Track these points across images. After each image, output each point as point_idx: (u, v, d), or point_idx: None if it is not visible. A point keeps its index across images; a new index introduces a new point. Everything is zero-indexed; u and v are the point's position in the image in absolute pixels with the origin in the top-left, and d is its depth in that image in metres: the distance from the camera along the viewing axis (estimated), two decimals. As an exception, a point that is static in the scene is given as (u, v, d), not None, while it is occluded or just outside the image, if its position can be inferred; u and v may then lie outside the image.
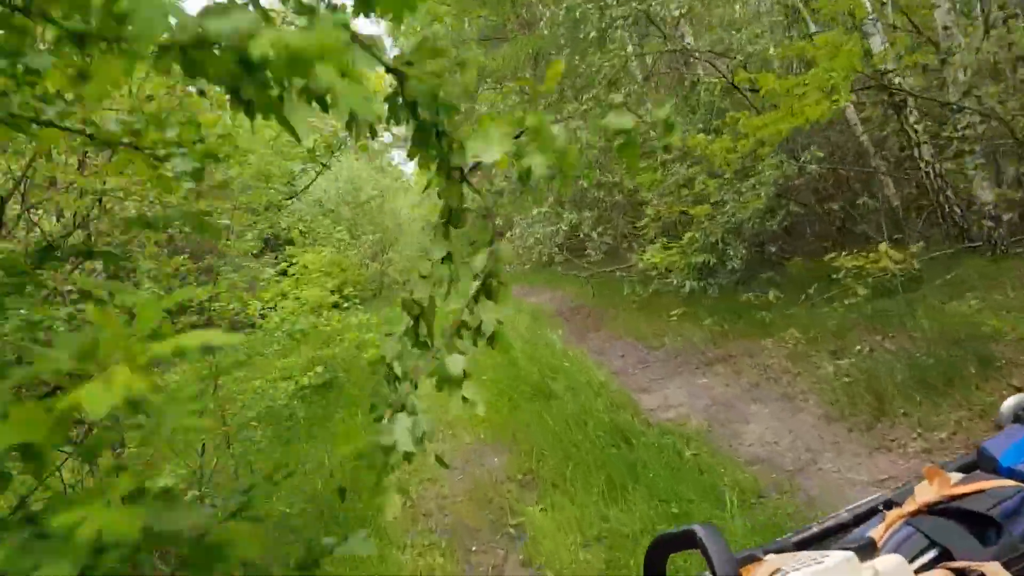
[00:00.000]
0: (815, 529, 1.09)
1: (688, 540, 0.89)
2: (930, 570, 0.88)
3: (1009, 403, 1.18)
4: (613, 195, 12.15)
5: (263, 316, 7.50)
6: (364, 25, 47.93)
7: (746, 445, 5.08)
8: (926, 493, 1.04)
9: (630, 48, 10.16)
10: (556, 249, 13.04)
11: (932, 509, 1.02)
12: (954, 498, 1.01)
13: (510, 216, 16.55)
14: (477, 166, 1.03)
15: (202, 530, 0.70)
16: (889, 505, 1.10)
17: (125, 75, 0.80)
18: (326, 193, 27.65)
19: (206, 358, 4.71)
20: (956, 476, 1.07)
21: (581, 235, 12.38)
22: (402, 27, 26.47)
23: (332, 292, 10.08)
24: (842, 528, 1.09)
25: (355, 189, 27.75)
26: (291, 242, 25.84)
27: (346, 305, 13.20)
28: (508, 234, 17.38)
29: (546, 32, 13.70)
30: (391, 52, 0.91)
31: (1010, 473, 1.05)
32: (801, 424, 5.21)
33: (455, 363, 1.03)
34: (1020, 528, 0.93)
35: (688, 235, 8.94)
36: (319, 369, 8.13)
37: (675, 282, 9.57)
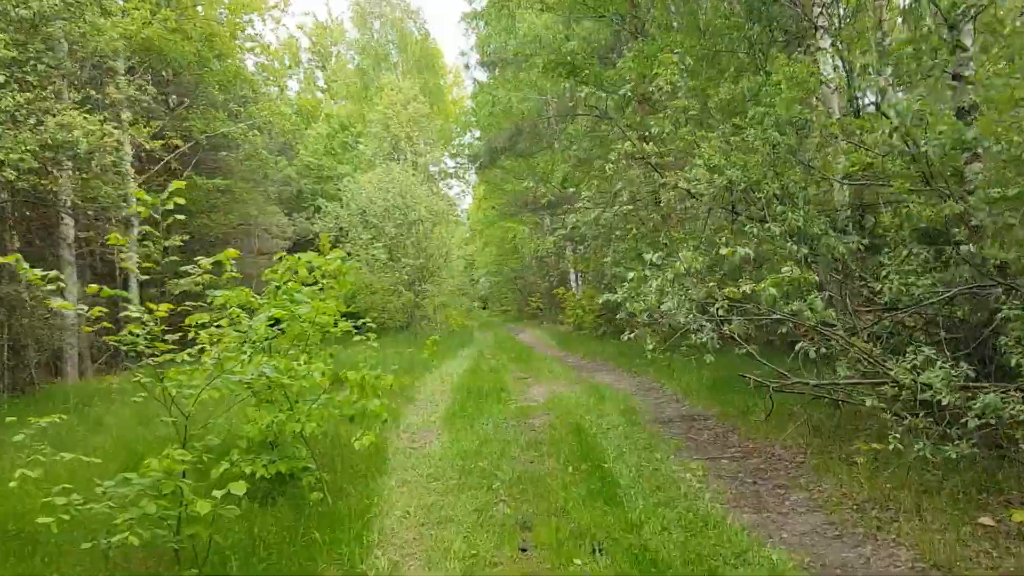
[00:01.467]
0: None
1: None
2: None
3: None
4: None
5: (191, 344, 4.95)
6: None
7: None
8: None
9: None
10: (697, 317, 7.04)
11: None
12: None
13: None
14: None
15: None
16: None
17: None
18: (372, 204, 26.44)
19: None
20: None
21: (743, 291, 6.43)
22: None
23: (345, 317, 6.69)
24: None
25: (405, 206, 26.50)
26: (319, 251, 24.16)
27: (357, 337, 11.55)
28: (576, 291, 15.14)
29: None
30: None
31: None
32: None
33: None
34: None
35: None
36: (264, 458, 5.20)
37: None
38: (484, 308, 63.18)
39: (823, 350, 6.14)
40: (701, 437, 7.18)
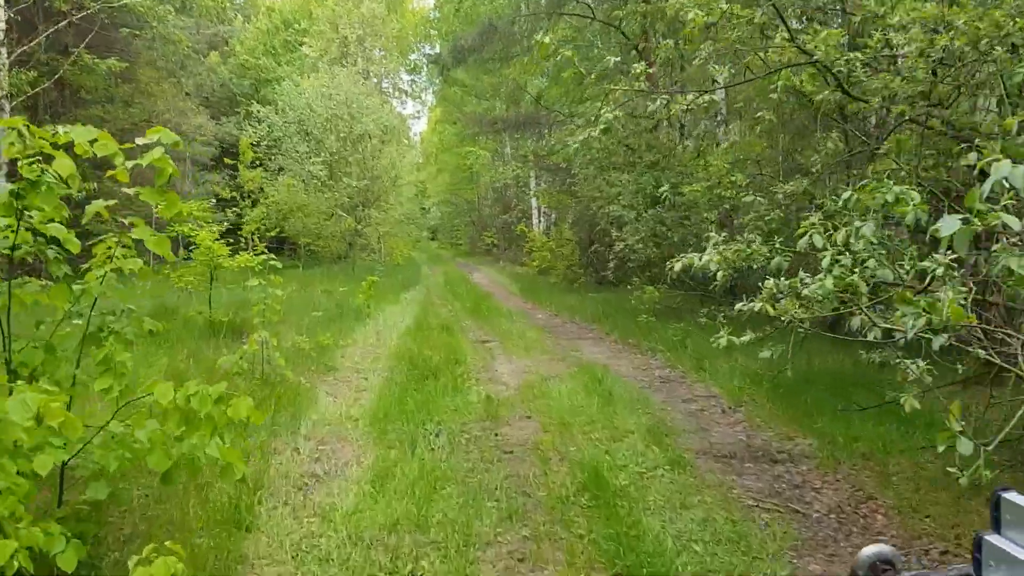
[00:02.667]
0: None
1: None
2: None
3: (866, 553, 0.96)
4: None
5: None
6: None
7: None
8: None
9: None
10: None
11: None
12: None
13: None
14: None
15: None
16: None
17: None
18: (312, 112, 22.50)
19: None
20: None
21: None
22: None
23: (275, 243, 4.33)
24: None
25: (351, 117, 22.68)
26: (256, 164, 20.73)
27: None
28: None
29: None
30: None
31: None
32: None
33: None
34: None
35: None
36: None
37: None
38: (433, 239, 59.73)
39: None
40: (814, 507, 4.18)
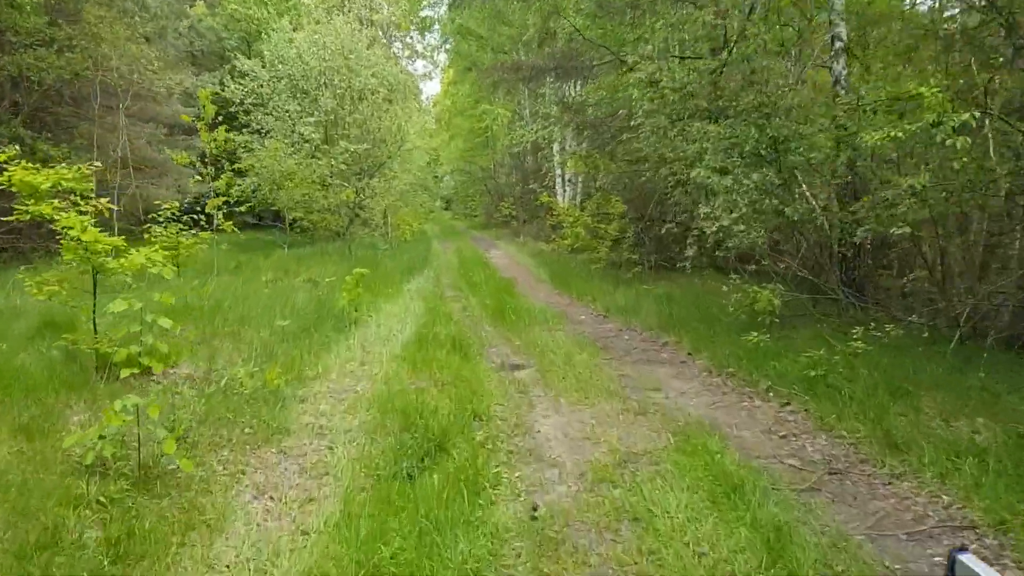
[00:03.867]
0: None
1: None
2: None
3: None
4: None
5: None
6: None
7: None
8: None
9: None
10: None
11: None
12: None
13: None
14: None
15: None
16: None
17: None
18: (304, 65, 19.21)
19: None
20: None
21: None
22: None
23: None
24: None
25: (349, 71, 19.39)
26: (238, 127, 17.77)
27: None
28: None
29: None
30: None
31: None
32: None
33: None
34: None
35: None
36: None
37: None
38: (447, 210, 56.56)
39: None
40: None
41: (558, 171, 26.16)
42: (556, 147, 25.81)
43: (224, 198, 12.77)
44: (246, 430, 4.93)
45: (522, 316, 9.57)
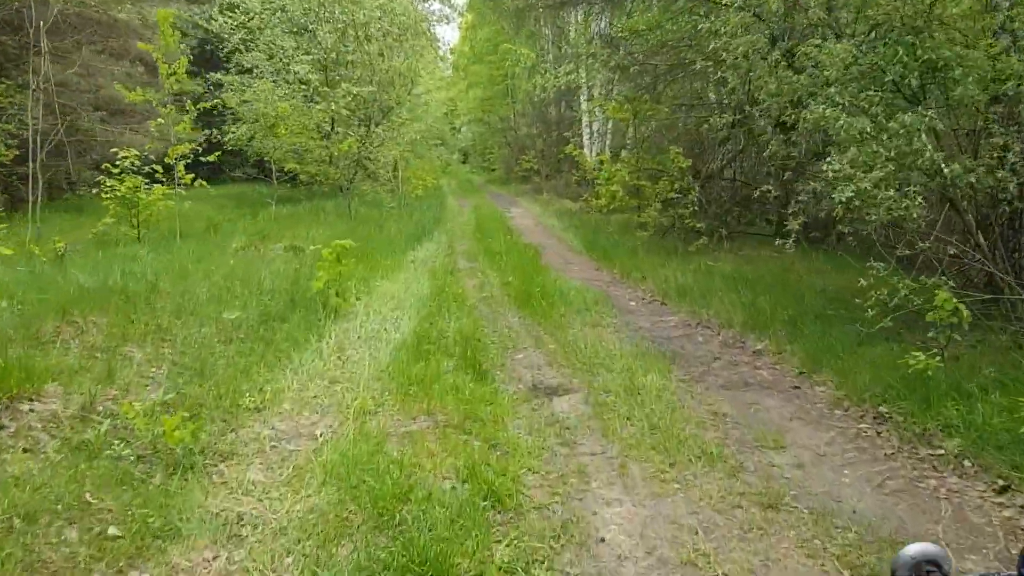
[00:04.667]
0: None
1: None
2: None
3: (909, 552, 0.91)
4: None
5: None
6: None
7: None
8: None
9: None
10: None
11: None
12: None
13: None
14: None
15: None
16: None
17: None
18: None
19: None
20: None
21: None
22: None
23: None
24: None
25: (352, 3, 16.78)
26: (222, 66, 15.47)
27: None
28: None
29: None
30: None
31: None
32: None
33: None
34: None
35: None
36: None
37: None
38: (464, 163, 53.93)
39: None
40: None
41: (585, 120, 23.70)
42: (584, 94, 23.34)
43: (191, 145, 10.55)
44: (105, 531, 2.86)
45: (555, 301, 7.38)
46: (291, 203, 16.11)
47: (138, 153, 9.78)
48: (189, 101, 10.67)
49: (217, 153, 11.39)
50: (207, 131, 16.42)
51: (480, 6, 33.36)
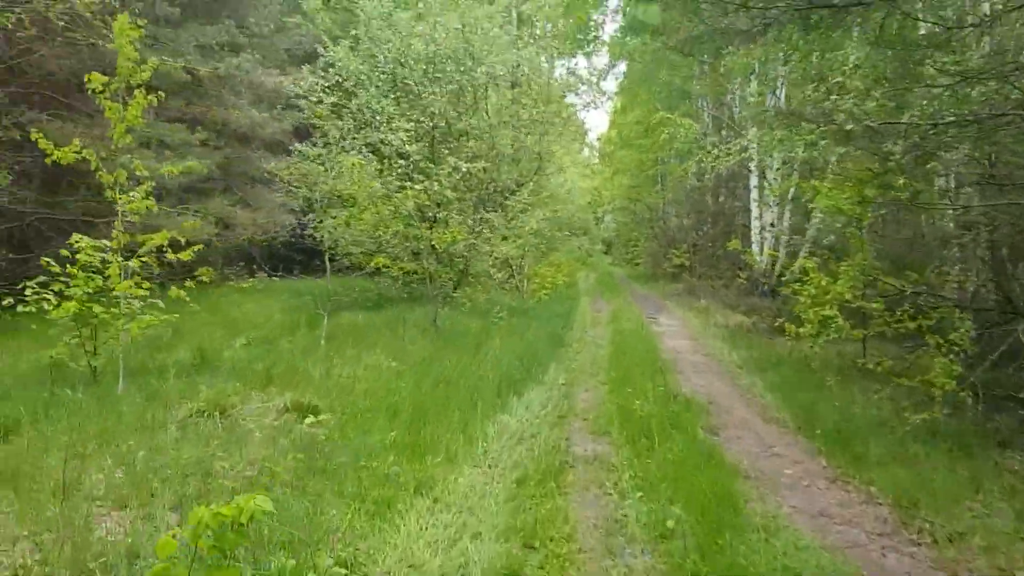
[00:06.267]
0: None
1: None
2: None
3: None
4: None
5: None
6: None
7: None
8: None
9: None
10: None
11: None
12: None
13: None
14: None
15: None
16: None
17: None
18: (408, 48, 12.99)
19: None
20: None
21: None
22: None
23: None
24: None
25: (470, 58, 13.19)
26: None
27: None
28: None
29: None
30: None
31: None
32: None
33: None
34: None
35: None
36: None
37: None
38: (607, 253, 50.12)
39: None
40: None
41: (755, 212, 19.13)
42: (752, 179, 18.93)
43: (167, 235, 6.90)
44: None
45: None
46: (374, 308, 12.54)
47: (98, 244, 6.40)
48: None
49: (194, 248, 7.36)
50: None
51: (631, 87, 30.28)
